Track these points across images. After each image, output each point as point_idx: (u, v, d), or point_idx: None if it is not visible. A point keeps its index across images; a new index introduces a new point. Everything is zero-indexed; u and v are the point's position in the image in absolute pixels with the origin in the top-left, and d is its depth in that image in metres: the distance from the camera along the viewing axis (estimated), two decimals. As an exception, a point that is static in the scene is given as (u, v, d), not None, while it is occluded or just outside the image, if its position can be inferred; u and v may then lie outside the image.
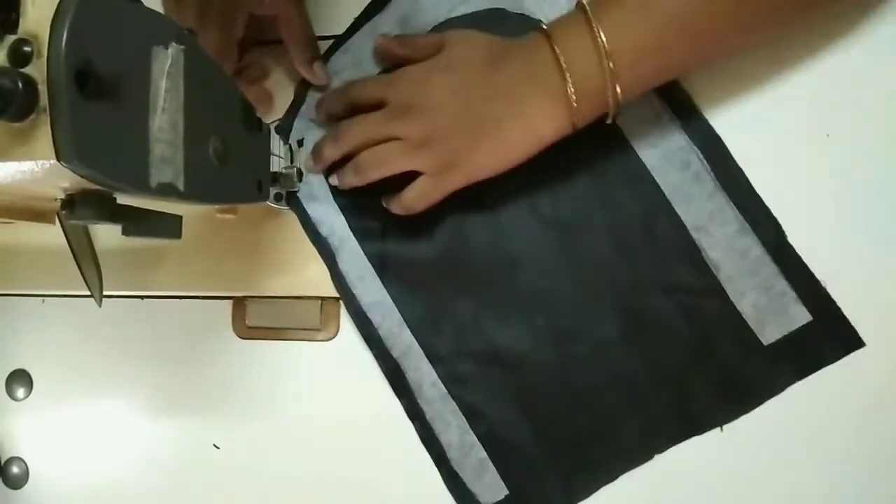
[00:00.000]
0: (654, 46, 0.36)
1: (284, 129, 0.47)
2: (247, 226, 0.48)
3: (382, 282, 0.45)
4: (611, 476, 0.42)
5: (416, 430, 0.45)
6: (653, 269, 0.42)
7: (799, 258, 0.41)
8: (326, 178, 0.46)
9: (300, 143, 0.47)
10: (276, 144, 0.46)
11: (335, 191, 0.46)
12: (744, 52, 0.40)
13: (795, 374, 0.41)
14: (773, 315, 0.41)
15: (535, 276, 0.44)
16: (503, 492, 0.43)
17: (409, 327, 0.45)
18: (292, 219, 0.47)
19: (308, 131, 0.47)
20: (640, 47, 0.35)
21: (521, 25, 0.43)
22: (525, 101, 0.37)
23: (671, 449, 0.42)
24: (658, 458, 0.42)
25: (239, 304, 0.50)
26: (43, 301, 0.53)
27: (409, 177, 0.41)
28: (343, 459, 0.47)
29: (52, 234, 0.41)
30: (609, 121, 0.38)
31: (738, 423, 0.42)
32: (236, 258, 0.49)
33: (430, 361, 0.45)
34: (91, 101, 0.25)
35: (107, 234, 0.48)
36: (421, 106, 0.39)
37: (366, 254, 0.46)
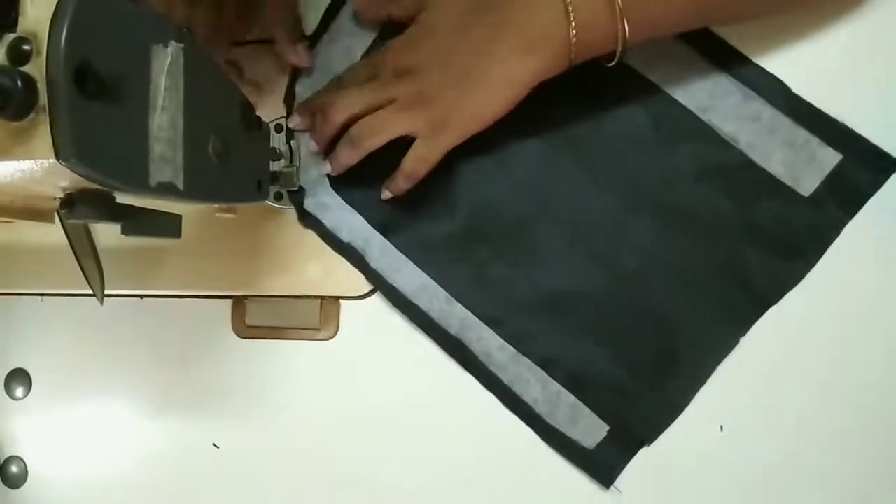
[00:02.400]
0: None
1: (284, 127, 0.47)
2: (247, 225, 0.48)
3: (419, 266, 0.45)
4: (705, 374, 0.42)
5: (498, 398, 0.44)
6: (675, 162, 0.42)
7: (809, 104, 0.41)
8: (331, 186, 0.46)
9: (290, 135, 0.46)
10: (276, 143, 0.46)
11: (344, 193, 0.46)
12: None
13: (845, 213, 0.41)
14: (803, 166, 0.41)
15: (564, 211, 0.44)
16: (604, 429, 0.43)
17: (459, 300, 0.45)
18: (292, 218, 0.47)
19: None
20: None
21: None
22: (504, 49, 0.38)
23: (671, 449, 0.42)
24: (658, 458, 0.42)
25: (239, 303, 0.49)
26: (42, 300, 0.53)
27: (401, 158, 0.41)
28: (343, 459, 0.47)
29: (52, 234, 0.41)
30: (613, 62, 0.38)
31: (738, 423, 0.42)
32: (236, 258, 0.49)
33: (490, 326, 0.44)
34: (90, 100, 0.24)
35: (106, 234, 0.48)
36: (408, 69, 0.40)
37: (394, 245, 0.45)
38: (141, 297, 0.51)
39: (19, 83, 0.23)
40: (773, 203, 0.41)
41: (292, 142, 0.46)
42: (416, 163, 0.41)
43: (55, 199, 0.29)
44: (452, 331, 0.45)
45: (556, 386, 0.43)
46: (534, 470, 0.44)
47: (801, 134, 0.41)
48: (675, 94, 0.42)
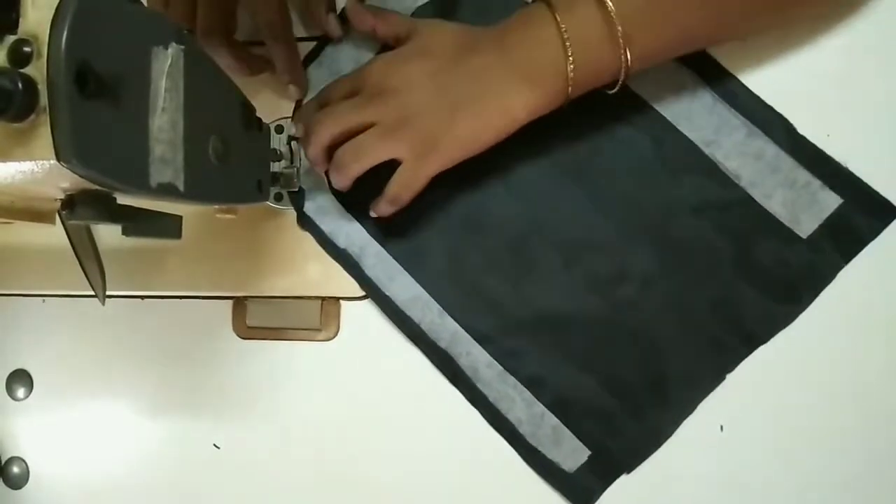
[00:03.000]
0: (661, 15, 0.36)
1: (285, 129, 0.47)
2: (247, 226, 0.48)
3: (413, 276, 0.45)
4: (689, 408, 0.42)
5: (483, 415, 0.44)
6: (676, 195, 0.42)
7: (813, 146, 0.41)
8: (332, 191, 0.46)
9: (291, 136, 0.46)
10: (277, 144, 0.46)
11: (344, 199, 0.46)
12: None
13: (842, 258, 0.41)
14: (803, 207, 0.41)
15: (561, 232, 0.44)
16: (585, 453, 0.43)
17: (450, 314, 0.45)
18: (292, 219, 0.47)
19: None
20: (649, 15, 0.36)
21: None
22: (500, 83, 0.38)
23: (671, 448, 0.42)
24: (658, 457, 0.42)
25: (239, 304, 0.50)
26: (43, 301, 0.53)
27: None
28: (343, 459, 0.47)
29: (52, 234, 0.41)
30: (615, 90, 0.38)
31: (738, 422, 0.42)
32: (236, 258, 0.49)
33: (479, 343, 0.44)
34: (91, 101, 0.25)
35: (106, 234, 0.48)
36: (394, 88, 0.39)
37: (390, 253, 0.45)
38: (142, 297, 0.51)
39: (20, 85, 0.23)
40: (771, 243, 0.41)
41: (293, 143, 0.46)
42: (400, 188, 0.40)
43: (56, 200, 0.29)
44: (442, 344, 0.45)
45: (540, 407, 0.44)
46: (534, 478, 0.44)
47: (803, 175, 0.41)
48: (681, 126, 0.42)
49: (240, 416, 0.49)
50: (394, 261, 0.45)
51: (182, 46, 0.30)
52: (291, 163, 0.46)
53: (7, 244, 0.53)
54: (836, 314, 0.41)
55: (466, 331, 0.44)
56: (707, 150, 0.42)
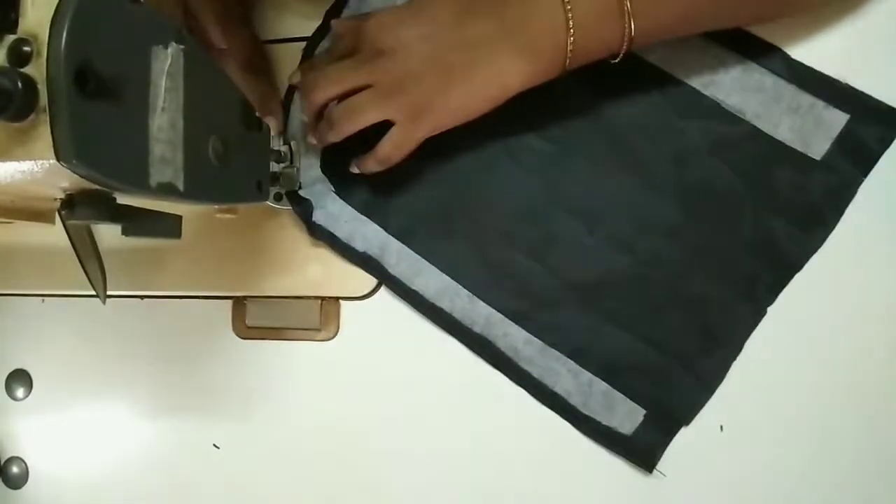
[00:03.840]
0: None
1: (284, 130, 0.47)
2: (247, 226, 0.48)
3: (438, 267, 0.45)
4: (736, 349, 0.41)
5: (530, 393, 0.44)
6: (685, 141, 0.42)
7: (811, 69, 0.41)
8: (339, 195, 0.46)
9: (290, 137, 0.46)
10: (276, 144, 0.46)
11: (354, 202, 0.46)
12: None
13: (860, 172, 0.40)
14: (812, 130, 0.41)
15: (577, 198, 0.43)
16: (640, 413, 0.42)
17: (481, 298, 0.44)
18: (292, 219, 0.47)
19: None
20: None
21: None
22: (495, 52, 0.38)
23: (671, 448, 0.42)
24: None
25: (239, 304, 0.50)
26: (43, 301, 0.53)
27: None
28: (343, 459, 0.47)
29: (52, 234, 0.41)
30: (618, 59, 0.38)
31: (738, 422, 0.42)
32: (236, 258, 0.49)
33: (515, 322, 0.44)
34: (91, 101, 0.24)
35: (106, 234, 0.48)
36: (391, 50, 0.38)
37: (411, 248, 0.45)
38: (141, 297, 0.51)
39: (20, 84, 0.23)
40: (787, 170, 0.41)
41: (292, 143, 0.46)
42: (392, 149, 0.40)
43: (55, 199, 0.29)
44: (477, 329, 0.44)
45: (587, 375, 0.43)
46: (531, 472, 0.44)
47: (806, 99, 0.41)
48: (677, 73, 0.42)
49: (240, 416, 0.49)
50: (416, 255, 0.45)
51: (182, 46, 0.30)
52: (291, 163, 0.46)
53: (7, 244, 0.53)
54: (836, 313, 0.41)
55: (500, 311, 0.44)
56: (707, 92, 0.42)
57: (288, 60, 0.47)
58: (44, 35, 0.24)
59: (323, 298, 0.48)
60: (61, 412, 0.53)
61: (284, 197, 0.47)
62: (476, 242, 0.45)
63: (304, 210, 0.46)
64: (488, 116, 0.40)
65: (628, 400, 0.42)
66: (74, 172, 0.25)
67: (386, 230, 0.45)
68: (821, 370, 0.41)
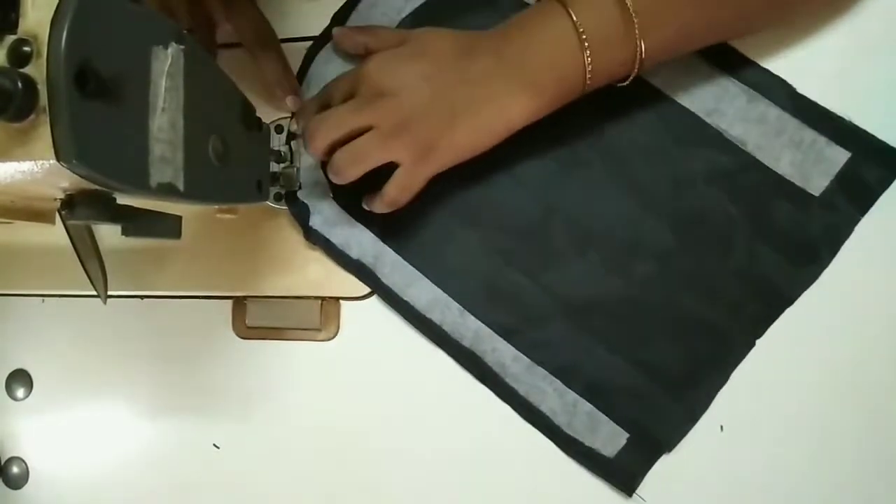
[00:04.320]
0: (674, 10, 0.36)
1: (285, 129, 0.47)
2: (247, 226, 0.48)
3: (430, 279, 0.45)
4: (722, 378, 0.41)
5: (516, 410, 0.44)
6: (685, 168, 0.42)
7: (815, 104, 0.41)
8: (337, 202, 0.46)
9: (290, 136, 0.46)
10: (276, 144, 0.46)
11: (351, 209, 0.46)
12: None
13: (857, 211, 0.41)
14: (812, 165, 0.41)
15: (573, 218, 0.44)
16: (623, 437, 0.42)
17: (471, 312, 0.44)
18: (292, 219, 0.47)
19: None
20: (663, 6, 0.36)
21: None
22: (498, 88, 0.38)
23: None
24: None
25: (239, 304, 0.50)
26: (43, 301, 0.53)
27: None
28: (343, 460, 0.47)
29: (52, 234, 0.41)
30: (626, 83, 0.38)
31: (738, 422, 0.42)
32: (236, 258, 0.49)
33: (504, 338, 0.44)
34: (91, 101, 0.25)
35: (106, 234, 0.48)
36: (392, 91, 0.38)
37: (405, 259, 0.45)
38: (141, 297, 0.51)
39: (20, 84, 0.23)
40: (785, 204, 0.41)
41: (293, 143, 0.46)
42: (398, 192, 0.40)
43: (55, 200, 0.29)
44: (466, 343, 0.44)
45: (572, 395, 0.43)
46: (532, 471, 0.44)
47: (808, 134, 0.41)
48: (680, 99, 0.42)
49: (240, 416, 0.49)
50: (410, 266, 0.45)
51: (182, 46, 0.30)
52: (291, 163, 0.46)
53: (7, 244, 0.53)
54: (835, 314, 0.41)
55: (489, 327, 0.44)
56: (710, 120, 0.42)
57: (290, 60, 0.47)
58: (44, 35, 0.24)
59: (323, 298, 0.48)
60: (61, 412, 0.52)
61: (284, 197, 0.47)
62: (471, 257, 0.45)
63: (300, 214, 0.46)
64: None
65: (612, 422, 0.43)
66: (74, 172, 0.25)
67: (382, 239, 0.45)
68: (821, 370, 0.41)
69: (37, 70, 0.24)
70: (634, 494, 0.42)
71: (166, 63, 0.29)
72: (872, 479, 0.41)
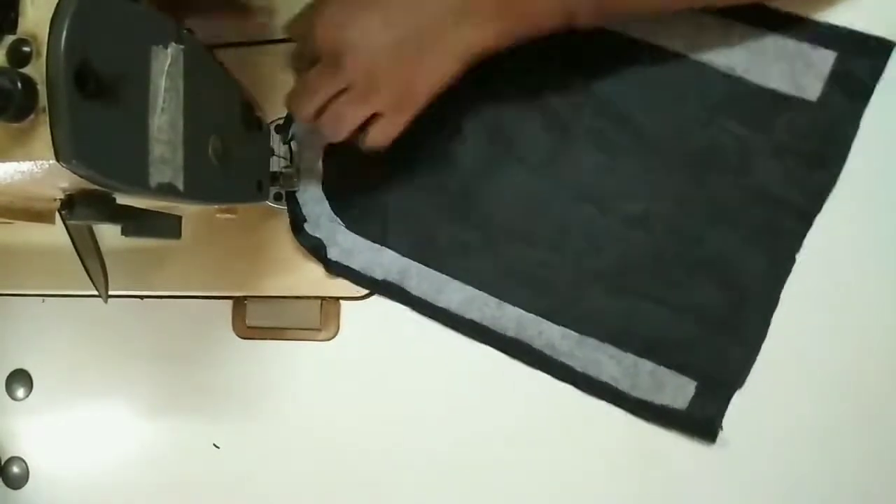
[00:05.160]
0: None
1: (284, 129, 0.47)
2: (247, 226, 0.48)
3: (460, 280, 0.45)
4: (772, 303, 0.41)
5: (577, 387, 0.43)
6: (681, 107, 0.42)
7: (788, 13, 0.41)
8: (349, 229, 0.46)
9: (290, 137, 0.46)
10: (276, 144, 0.46)
11: (366, 233, 0.46)
12: None
13: (856, 105, 0.40)
14: (802, 73, 0.41)
15: (584, 187, 0.43)
16: (691, 385, 0.42)
17: (509, 302, 0.44)
18: (292, 219, 0.47)
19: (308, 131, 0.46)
20: None
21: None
22: (455, 18, 0.37)
23: (670, 447, 0.42)
24: (657, 457, 0.42)
25: (239, 304, 0.49)
26: (43, 301, 0.53)
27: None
28: (343, 459, 0.47)
29: (52, 234, 0.41)
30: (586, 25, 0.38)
31: (738, 422, 0.42)
32: (236, 258, 0.49)
33: (547, 318, 0.44)
34: (90, 101, 0.25)
35: (107, 234, 0.48)
36: (353, 48, 0.38)
37: (431, 267, 0.45)
38: (141, 297, 0.51)
39: (19, 85, 0.23)
40: (785, 116, 0.41)
41: (292, 143, 0.46)
42: (380, 137, 0.40)
43: (55, 200, 0.29)
44: (510, 333, 0.44)
45: (630, 358, 0.43)
46: (532, 471, 0.44)
47: (790, 44, 0.41)
48: (661, 42, 0.42)
49: (240, 416, 0.49)
50: (437, 273, 0.45)
51: (182, 46, 0.30)
52: (291, 163, 0.46)
53: (7, 244, 0.53)
54: (835, 313, 0.41)
55: (530, 311, 0.44)
56: (694, 56, 0.42)
57: (288, 60, 0.47)
58: (43, 35, 0.24)
59: (323, 298, 0.48)
60: (61, 412, 0.53)
61: (284, 197, 0.47)
62: (492, 248, 0.44)
63: (316, 251, 0.46)
64: (483, 119, 0.41)
65: (676, 374, 0.42)
66: (74, 172, 0.25)
67: (402, 254, 0.45)
68: (821, 370, 0.41)
69: (36, 70, 0.24)
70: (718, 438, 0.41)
71: (166, 63, 0.29)
72: (872, 479, 0.40)
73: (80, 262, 0.42)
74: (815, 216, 0.41)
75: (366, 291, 0.47)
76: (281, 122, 0.47)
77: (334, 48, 0.38)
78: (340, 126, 0.39)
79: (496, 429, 0.45)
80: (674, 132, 0.42)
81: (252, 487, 0.49)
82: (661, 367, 0.42)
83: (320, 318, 0.48)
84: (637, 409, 0.43)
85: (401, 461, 0.46)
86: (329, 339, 0.48)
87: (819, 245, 0.41)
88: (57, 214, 0.37)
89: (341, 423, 0.47)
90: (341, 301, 0.47)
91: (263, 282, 0.48)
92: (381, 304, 0.47)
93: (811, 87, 0.41)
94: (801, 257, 0.41)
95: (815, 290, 0.41)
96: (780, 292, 0.41)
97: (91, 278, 0.43)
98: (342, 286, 0.47)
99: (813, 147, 0.41)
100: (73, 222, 0.31)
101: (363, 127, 0.40)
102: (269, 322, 0.49)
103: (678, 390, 0.42)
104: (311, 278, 0.47)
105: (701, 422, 0.42)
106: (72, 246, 0.41)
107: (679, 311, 0.42)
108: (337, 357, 0.47)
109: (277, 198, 0.46)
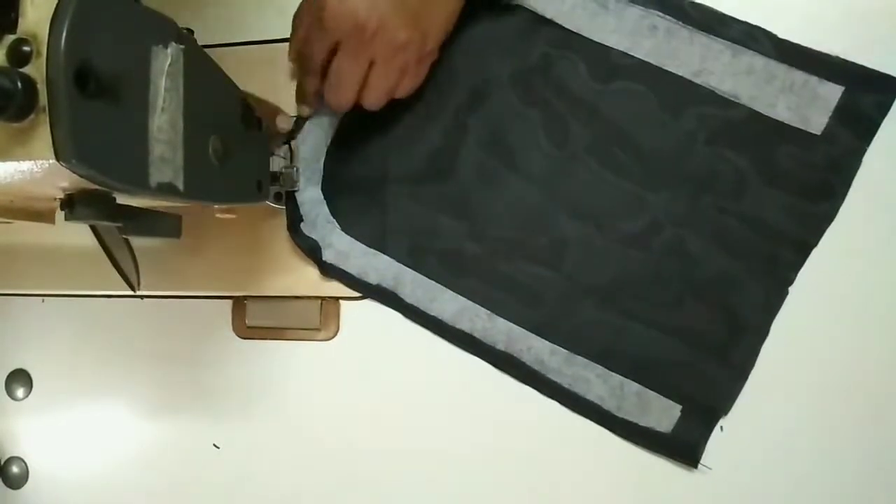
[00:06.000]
0: None
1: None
2: (247, 226, 0.48)
3: (453, 290, 0.45)
4: (764, 331, 0.41)
5: (563, 404, 0.43)
6: (683, 132, 0.42)
7: (798, 45, 0.41)
8: (345, 232, 0.46)
9: (289, 136, 0.46)
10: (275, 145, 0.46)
11: (362, 237, 0.46)
12: None
13: (862, 141, 0.40)
14: (808, 106, 0.41)
15: (582, 203, 0.43)
16: (676, 409, 0.42)
17: (500, 315, 0.44)
18: (292, 219, 0.47)
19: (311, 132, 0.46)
20: None
21: None
22: None
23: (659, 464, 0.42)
24: (657, 457, 0.42)
25: (239, 303, 0.50)
26: (43, 301, 0.53)
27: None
28: (343, 459, 0.47)
29: (52, 234, 0.41)
30: None
31: (738, 422, 0.42)
32: (236, 258, 0.49)
33: (537, 334, 0.44)
34: (90, 101, 0.25)
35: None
36: (368, 27, 0.39)
37: (425, 275, 0.45)
38: (141, 297, 0.51)
39: (19, 84, 0.23)
40: (789, 148, 0.41)
41: (292, 142, 0.46)
42: (409, 84, 0.42)
43: (55, 199, 0.29)
44: (500, 346, 0.44)
45: (617, 378, 0.43)
46: (531, 469, 0.44)
47: (799, 76, 0.41)
48: (667, 66, 0.42)
49: (240, 416, 0.49)
50: (430, 281, 0.45)
51: (182, 46, 0.30)
52: (290, 162, 0.46)
53: (6, 243, 0.53)
54: (834, 314, 0.41)
55: (520, 325, 0.44)
56: (698, 80, 0.42)
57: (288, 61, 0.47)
58: (43, 35, 0.24)
59: (323, 298, 0.48)
60: (61, 412, 0.53)
61: (284, 197, 0.46)
62: (487, 259, 0.44)
63: (312, 252, 0.46)
64: (485, 128, 0.41)
65: (662, 397, 0.42)
66: (74, 172, 0.25)
67: (398, 260, 0.45)
68: (821, 370, 0.41)
69: (36, 70, 0.24)
70: (699, 465, 0.42)
71: (166, 63, 0.29)
72: (872, 479, 0.40)
73: (79, 263, 0.42)
74: (812, 248, 0.41)
75: (364, 292, 0.47)
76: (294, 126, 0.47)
77: (352, 30, 0.39)
78: (381, 96, 0.41)
79: (496, 429, 0.45)
80: (675, 154, 0.43)
81: (252, 487, 0.49)
82: (648, 389, 0.42)
83: (320, 318, 0.48)
84: (621, 430, 0.43)
85: (400, 461, 0.46)
86: (329, 339, 0.48)
87: (814, 276, 0.41)
88: (57, 214, 0.37)
89: (341, 422, 0.47)
90: (341, 301, 0.47)
91: (263, 282, 0.48)
92: (380, 305, 0.47)
93: (816, 121, 0.41)
94: (794, 287, 0.41)
95: (806, 319, 0.41)
96: (772, 322, 0.41)
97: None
98: (342, 286, 0.47)
99: (815, 180, 0.41)
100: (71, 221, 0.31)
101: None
102: (269, 322, 0.49)
103: (663, 413, 0.42)
104: (310, 278, 0.47)
105: (684, 446, 0.42)
106: (73, 246, 0.41)
107: (669, 333, 0.42)
108: (336, 357, 0.47)
109: (277, 198, 0.46)
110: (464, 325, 0.45)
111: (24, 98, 0.23)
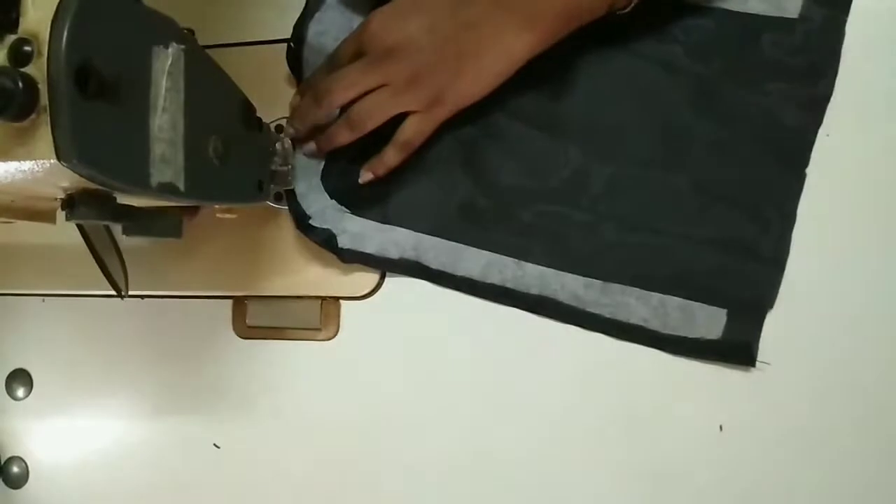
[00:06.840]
0: None
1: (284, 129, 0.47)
2: (247, 226, 0.48)
3: (477, 246, 0.44)
4: (791, 219, 0.41)
5: (610, 335, 0.43)
6: (667, 47, 0.43)
7: None
8: (355, 214, 0.46)
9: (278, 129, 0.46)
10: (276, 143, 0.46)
11: (375, 215, 0.45)
12: None
13: (840, 12, 0.41)
14: None
15: (585, 131, 0.43)
16: (722, 313, 0.41)
17: (527, 260, 0.44)
18: (292, 218, 0.47)
19: None
20: None
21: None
22: (497, 28, 0.39)
23: (670, 446, 0.42)
24: (657, 456, 0.42)
25: (239, 303, 0.50)
26: (43, 301, 0.53)
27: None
28: (343, 459, 0.47)
29: (52, 234, 0.41)
30: (628, 9, 0.39)
31: (738, 422, 0.42)
32: (236, 258, 0.49)
33: (568, 271, 0.43)
34: (91, 101, 0.25)
35: (107, 234, 0.48)
36: (399, 47, 0.40)
37: (446, 237, 0.45)
38: (142, 297, 0.51)
39: (20, 84, 0.23)
40: (770, 37, 0.41)
41: (287, 140, 0.46)
42: (413, 134, 0.42)
43: (56, 199, 0.29)
44: (534, 291, 0.44)
45: (656, 297, 0.42)
46: (531, 471, 0.44)
47: None
48: None
49: (240, 415, 0.49)
50: (451, 243, 0.45)
51: (182, 46, 0.30)
52: (286, 161, 0.46)
53: (7, 243, 0.53)
54: (834, 314, 0.41)
55: (549, 266, 0.44)
56: None
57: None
58: (44, 35, 0.24)
59: (323, 298, 0.48)
60: (61, 412, 0.53)
61: (284, 197, 0.46)
62: (502, 209, 0.44)
63: (328, 242, 0.45)
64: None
65: (705, 305, 0.42)
66: (75, 172, 0.25)
67: (414, 230, 0.45)
68: (821, 370, 0.41)
69: (37, 70, 0.24)
70: (757, 362, 0.41)
71: (167, 63, 0.29)
72: (872, 479, 0.41)
73: (79, 263, 0.42)
74: (818, 128, 0.41)
75: (366, 291, 0.47)
76: (281, 122, 0.47)
77: (382, 46, 0.40)
78: (372, 116, 0.41)
79: (496, 429, 0.45)
80: (662, 70, 0.43)
81: (252, 487, 0.49)
82: (690, 301, 0.42)
83: (320, 318, 0.48)
84: (671, 347, 0.42)
85: (400, 461, 0.46)
86: (329, 339, 0.48)
87: (825, 160, 0.41)
88: (58, 214, 0.37)
89: (341, 422, 0.47)
90: (341, 301, 0.47)
91: (264, 281, 0.48)
92: (381, 304, 0.47)
93: (791, 4, 0.41)
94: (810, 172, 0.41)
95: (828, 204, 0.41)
96: (795, 210, 0.41)
97: (107, 274, 0.42)
98: (342, 286, 0.47)
99: (804, 60, 0.41)
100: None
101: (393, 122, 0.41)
102: (270, 322, 0.49)
103: (710, 320, 0.42)
104: (311, 278, 0.47)
105: (738, 347, 0.41)
106: (73, 246, 0.41)
107: (699, 243, 0.42)
108: (337, 357, 0.48)
109: (278, 198, 0.46)
110: (494, 278, 0.44)
111: (25, 98, 0.23)
